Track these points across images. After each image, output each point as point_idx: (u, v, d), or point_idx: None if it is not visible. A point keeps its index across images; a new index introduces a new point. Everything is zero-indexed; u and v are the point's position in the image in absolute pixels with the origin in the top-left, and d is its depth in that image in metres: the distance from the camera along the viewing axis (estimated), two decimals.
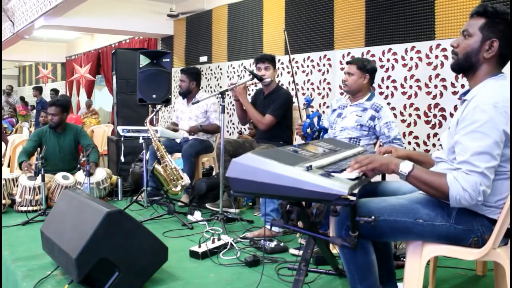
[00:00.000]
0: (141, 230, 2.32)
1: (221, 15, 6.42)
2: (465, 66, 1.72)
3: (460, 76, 3.64)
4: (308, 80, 5.12)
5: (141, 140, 3.94)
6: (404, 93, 4.15)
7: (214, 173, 4.91)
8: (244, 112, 3.86)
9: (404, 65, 4.14)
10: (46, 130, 4.41)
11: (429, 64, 3.94)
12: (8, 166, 5.16)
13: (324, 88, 4.96)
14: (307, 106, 3.09)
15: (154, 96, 4.30)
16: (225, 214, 3.46)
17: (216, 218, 3.46)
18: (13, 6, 8.05)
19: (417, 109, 4.05)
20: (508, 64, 1.76)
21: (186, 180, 3.67)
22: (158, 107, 4.20)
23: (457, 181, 1.55)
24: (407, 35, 4.10)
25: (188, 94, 4.48)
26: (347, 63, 3.16)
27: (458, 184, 1.54)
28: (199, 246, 2.81)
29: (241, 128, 6.16)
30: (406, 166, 1.63)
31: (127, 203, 4.00)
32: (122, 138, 4.20)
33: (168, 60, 4.40)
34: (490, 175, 1.55)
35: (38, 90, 10.52)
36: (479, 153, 1.54)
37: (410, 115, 4.11)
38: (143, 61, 4.34)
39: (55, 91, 10.66)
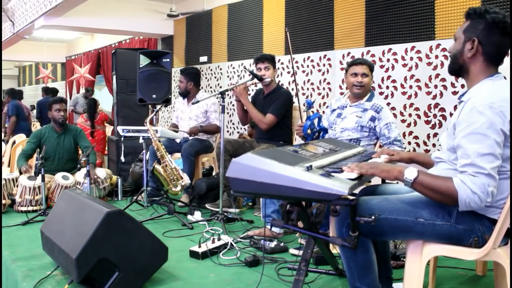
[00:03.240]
0: (141, 230, 2.32)
1: (221, 15, 6.42)
2: (455, 69, 1.77)
3: None
4: (308, 80, 5.12)
5: (141, 140, 3.94)
6: (404, 93, 4.15)
7: (214, 173, 4.91)
8: (244, 112, 3.86)
9: (404, 65, 4.14)
10: (45, 131, 4.40)
11: (429, 64, 3.94)
12: (8, 166, 5.16)
13: (324, 88, 4.96)
14: (308, 109, 3.08)
15: (154, 96, 4.31)
16: (225, 214, 3.46)
17: (216, 218, 3.46)
18: (13, 6, 8.05)
19: (417, 109, 4.05)
20: (508, 64, 1.76)
21: (186, 180, 3.67)
22: (158, 107, 4.20)
23: (465, 185, 1.53)
24: (407, 35, 4.10)
25: (187, 95, 4.48)
26: (358, 63, 3.08)
27: (466, 187, 1.53)
28: (199, 246, 2.81)
29: (241, 128, 6.16)
30: (411, 173, 1.61)
31: (127, 203, 4.00)
32: (122, 138, 4.20)
33: (168, 60, 4.40)
34: (496, 176, 1.55)
35: (43, 90, 10.48)
36: (483, 154, 1.54)
37: (410, 115, 4.11)
38: (143, 61, 4.34)
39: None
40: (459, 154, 1.61)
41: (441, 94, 3.86)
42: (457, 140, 1.62)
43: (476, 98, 1.61)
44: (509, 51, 1.71)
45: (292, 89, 5.10)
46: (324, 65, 4.93)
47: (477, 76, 1.70)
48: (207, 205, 3.87)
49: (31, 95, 16.42)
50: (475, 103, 1.59)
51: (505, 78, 1.73)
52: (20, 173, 4.13)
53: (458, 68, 1.75)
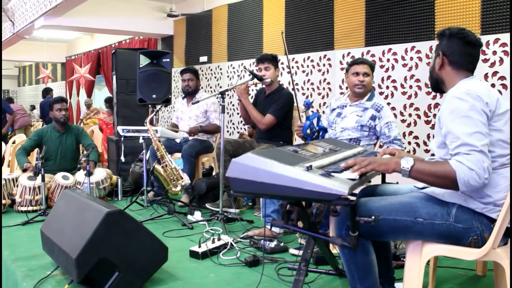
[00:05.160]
0: (141, 230, 2.32)
1: (221, 15, 6.42)
2: (433, 83, 1.93)
3: None
4: (308, 80, 5.12)
5: (141, 140, 3.94)
6: (404, 93, 4.16)
7: (214, 173, 4.91)
8: (247, 112, 3.85)
9: (404, 65, 4.14)
10: (47, 130, 4.41)
11: (429, 64, 3.93)
12: (8, 166, 5.16)
13: (324, 88, 4.96)
14: (307, 109, 3.08)
15: (154, 96, 4.31)
16: (225, 214, 3.46)
17: (216, 218, 3.46)
18: (13, 6, 8.05)
19: (417, 109, 4.05)
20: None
21: (186, 180, 3.67)
22: (158, 107, 4.20)
23: (461, 163, 1.56)
24: (407, 35, 4.10)
25: (195, 93, 4.49)
26: (360, 63, 3.08)
27: (463, 165, 1.56)
28: (199, 246, 2.81)
29: (241, 128, 6.16)
30: (407, 162, 1.64)
31: (127, 203, 4.00)
32: (122, 138, 4.20)
33: (168, 60, 4.40)
34: (488, 153, 1.59)
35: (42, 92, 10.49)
36: (471, 133, 1.59)
37: (410, 115, 4.11)
38: (143, 61, 4.34)
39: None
40: (449, 140, 1.65)
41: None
42: (444, 128, 1.68)
43: (452, 90, 1.74)
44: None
45: (292, 89, 5.10)
46: (324, 65, 4.93)
47: (451, 81, 1.83)
48: (207, 205, 3.87)
49: (31, 95, 16.43)
50: (452, 93, 1.70)
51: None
52: (24, 170, 4.12)
53: (435, 83, 1.91)
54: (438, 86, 1.91)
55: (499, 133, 1.66)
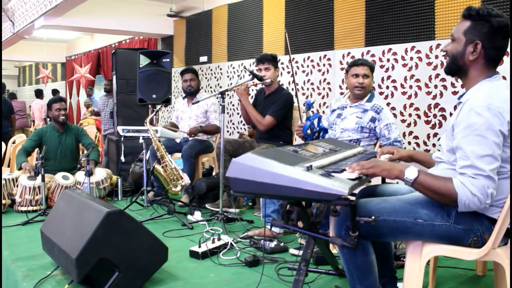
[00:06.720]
0: (141, 230, 2.32)
1: (221, 15, 6.42)
2: (454, 69, 1.76)
3: None
4: (308, 80, 5.12)
5: (141, 140, 3.94)
6: (404, 93, 4.15)
7: (214, 173, 4.91)
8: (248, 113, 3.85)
9: (404, 65, 4.14)
10: (47, 130, 4.41)
11: (429, 64, 3.94)
12: (8, 166, 5.16)
13: (324, 88, 4.96)
14: (308, 109, 3.08)
15: (154, 96, 4.31)
16: (225, 214, 3.46)
17: (216, 218, 3.46)
18: (13, 6, 8.05)
19: (417, 109, 4.05)
20: (508, 64, 1.76)
21: (186, 180, 3.67)
22: (158, 107, 4.21)
23: (465, 186, 1.54)
24: (407, 35, 4.10)
25: (196, 93, 4.50)
26: (359, 64, 3.07)
27: (466, 189, 1.54)
28: (199, 246, 2.81)
29: (241, 128, 6.16)
30: (411, 173, 1.62)
31: (127, 203, 4.00)
32: (122, 138, 4.20)
33: (168, 60, 4.41)
34: (495, 177, 1.55)
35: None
36: (482, 156, 1.54)
37: (410, 115, 4.11)
38: (143, 61, 4.34)
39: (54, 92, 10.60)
40: (458, 156, 1.61)
41: (441, 94, 3.86)
42: (456, 141, 1.62)
43: (474, 99, 1.61)
44: (509, 51, 1.71)
45: (292, 89, 5.10)
46: (324, 65, 4.93)
47: (476, 77, 1.70)
48: (207, 205, 3.87)
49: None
50: (473, 104, 1.59)
51: (504, 78, 1.73)
52: (20, 168, 4.12)
53: (457, 69, 1.75)
54: (457, 73, 1.75)
55: None
